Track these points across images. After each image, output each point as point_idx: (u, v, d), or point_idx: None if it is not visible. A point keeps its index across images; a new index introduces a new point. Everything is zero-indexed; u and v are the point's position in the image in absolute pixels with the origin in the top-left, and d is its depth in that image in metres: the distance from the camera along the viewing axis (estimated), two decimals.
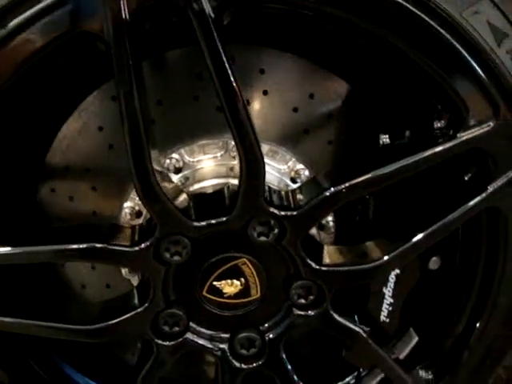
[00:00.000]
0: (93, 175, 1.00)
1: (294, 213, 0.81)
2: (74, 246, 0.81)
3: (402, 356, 1.05)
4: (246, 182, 0.78)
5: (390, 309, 1.03)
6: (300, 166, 0.99)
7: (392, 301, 1.02)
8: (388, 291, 1.01)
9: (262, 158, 0.78)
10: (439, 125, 0.83)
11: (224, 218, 0.82)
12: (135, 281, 1.02)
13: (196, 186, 0.95)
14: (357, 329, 0.94)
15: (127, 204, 0.99)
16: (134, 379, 0.94)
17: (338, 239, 1.03)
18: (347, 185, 0.81)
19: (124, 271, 1.03)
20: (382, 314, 1.03)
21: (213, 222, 0.82)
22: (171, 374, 1.13)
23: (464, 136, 0.80)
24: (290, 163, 1.00)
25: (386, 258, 0.87)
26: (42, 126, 0.98)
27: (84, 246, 0.80)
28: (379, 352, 0.97)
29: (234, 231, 0.84)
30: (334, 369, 1.11)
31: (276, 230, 0.83)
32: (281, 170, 0.99)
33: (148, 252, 0.83)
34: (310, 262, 0.86)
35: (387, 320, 1.04)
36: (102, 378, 1.13)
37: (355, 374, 1.11)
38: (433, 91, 0.81)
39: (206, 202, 0.87)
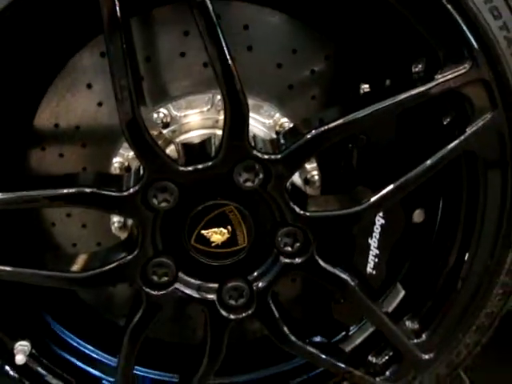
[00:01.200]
0: (82, 132, 1.02)
1: (278, 156, 0.83)
2: (64, 191, 0.83)
3: (390, 309, 1.07)
4: (230, 125, 0.80)
5: (376, 260, 1.05)
6: (284, 120, 1.01)
7: (378, 252, 1.04)
8: (373, 242, 1.03)
9: (246, 102, 0.80)
10: (417, 69, 0.86)
11: (210, 163, 0.84)
12: (124, 237, 1.03)
13: (183, 137, 0.97)
14: (345, 277, 0.95)
15: (116, 159, 1.00)
16: (125, 330, 0.95)
17: (324, 193, 1.05)
18: (326, 127, 0.84)
19: (114, 228, 1.04)
20: (369, 265, 1.06)
21: (199, 166, 0.84)
22: (161, 333, 1.16)
23: (440, 78, 0.82)
24: (275, 117, 1.02)
25: (370, 200, 0.89)
26: (32, 83, 1.00)
27: (73, 190, 0.82)
28: (368, 303, 0.99)
29: (220, 177, 0.86)
30: (323, 325, 1.13)
31: (261, 175, 0.85)
32: (266, 123, 1.01)
33: (136, 197, 0.85)
34: (294, 206, 0.88)
35: (374, 272, 1.06)
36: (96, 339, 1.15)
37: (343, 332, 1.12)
38: (411, 36, 0.84)
39: (192, 150, 0.89)
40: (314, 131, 0.84)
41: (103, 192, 0.84)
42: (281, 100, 1.02)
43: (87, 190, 0.83)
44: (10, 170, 0.99)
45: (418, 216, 1.06)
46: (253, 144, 0.84)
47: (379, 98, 0.85)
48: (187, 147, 0.90)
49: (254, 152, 0.83)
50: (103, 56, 0.97)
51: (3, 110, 0.98)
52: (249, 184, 0.86)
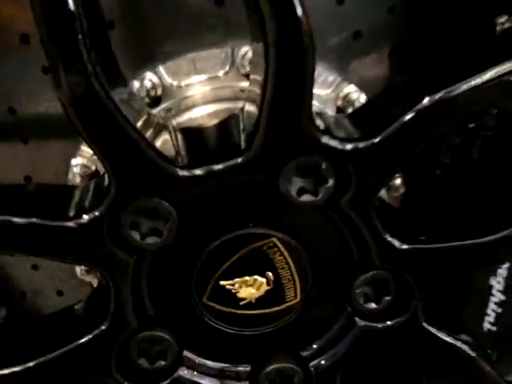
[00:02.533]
0: (20, 119, 0.62)
1: (373, 141, 0.43)
2: None
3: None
4: (276, 87, 0.40)
5: (500, 311, 0.66)
6: (351, 89, 0.62)
7: (503, 298, 0.65)
8: (497, 283, 0.64)
9: (312, 39, 0.40)
10: None
11: (237, 161, 0.44)
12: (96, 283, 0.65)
13: (185, 117, 0.57)
14: (461, 345, 0.57)
15: (76, 161, 0.62)
16: None
17: (407, 205, 0.66)
18: (449, 94, 0.44)
19: (79, 270, 0.66)
20: (487, 319, 0.66)
21: (216, 168, 0.44)
22: None
23: None
24: (335, 86, 0.62)
25: None
26: None
27: None
28: (492, 375, 0.60)
29: (254, 188, 0.47)
30: None
31: (330, 182, 0.46)
32: (321, 96, 0.62)
33: (98, 230, 0.45)
34: (390, 238, 0.49)
35: (493, 328, 0.67)
36: None
37: None
38: None
39: (202, 139, 0.49)
40: (429, 99, 0.44)
41: (36, 222, 0.44)
42: (342, 56, 0.63)
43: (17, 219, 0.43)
44: None
45: None
46: (320, 126, 0.44)
47: None
48: (193, 134, 0.50)
49: (323, 138, 0.43)
50: None
51: None
52: (308, 198, 0.46)
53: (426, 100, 0.45)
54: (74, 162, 0.62)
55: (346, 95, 0.62)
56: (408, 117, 0.44)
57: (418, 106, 0.45)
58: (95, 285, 0.66)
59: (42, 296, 0.73)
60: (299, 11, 0.39)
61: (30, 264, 0.71)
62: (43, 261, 0.70)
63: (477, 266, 0.53)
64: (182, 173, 0.44)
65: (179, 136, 0.50)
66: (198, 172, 0.44)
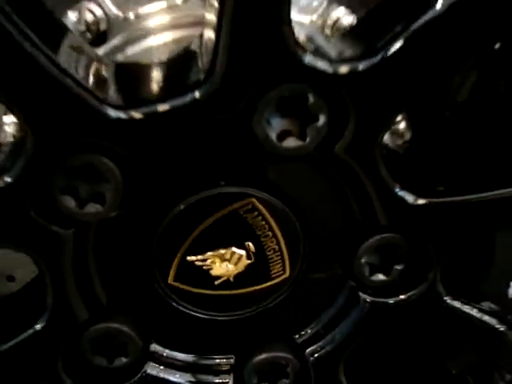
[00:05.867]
0: None
1: (375, 59, 0.32)
2: None
3: None
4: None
5: None
6: (340, 12, 0.51)
7: None
8: None
9: None
10: None
11: (193, 96, 0.33)
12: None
13: (136, 48, 0.46)
14: (490, 320, 0.49)
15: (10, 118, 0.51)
16: None
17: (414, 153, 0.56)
18: None
19: None
20: None
21: (161, 108, 0.33)
22: None
23: None
24: (322, 10, 0.52)
25: None
26: None
27: None
28: None
29: (221, 133, 0.37)
30: None
31: (322, 120, 0.35)
32: (304, 24, 0.51)
33: (17, 200, 0.34)
34: (401, 192, 0.38)
35: None
36: None
37: None
38: None
39: (144, 75, 0.38)
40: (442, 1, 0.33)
41: None
42: None
43: None
44: None
45: None
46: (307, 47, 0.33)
47: None
48: (132, 70, 0.39)
49: (309, 60, 0.32)
50: None
51: None
52: (292, 143, 0.36)
53: (440, 3, 0.34)
54: (6, 119, 0.52)
55: (336, 21, 0.52)
56: (416, 26, 0.32)
57: (429, 13, 0.33)
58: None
59: None
60: None
61: None
62: None
63: (506, 221, 0.43)
64: (117, 114, 0.32)
65: (113, 72, 0.38)
66: (136, 114, 0.33)
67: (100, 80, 0.38)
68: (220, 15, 0.33)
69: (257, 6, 0.31)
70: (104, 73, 0.40)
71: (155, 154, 0.37)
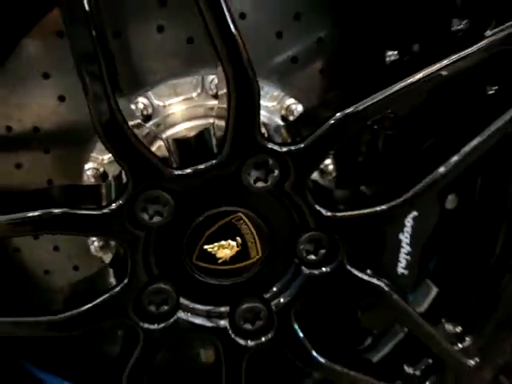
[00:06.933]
0: (43, 134, 0.82)
1: (301, 146, 0.65)
2: (27, 215, 0.63)
3: (421, 310, 0.92)
4: (236, 111, 0.62)
5: (408, 258, 0.89)
6: (291, 101, 0.84)
7: (410, 249, 0.88)
8: (405, 238, 0.87)
9: (256, 79, 0.62)
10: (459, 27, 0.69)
11: (212, 162, 0.65)
12: (108, 258, 0.86)
13: (172, 131, 0.78)
14: (379, 283, 0.79)
15: (89, 165, 0.82)
16: (118, 379, 0.77)
17: (339, 185, 0.89)
18: (357, 108, 0.66)
19: (93, 248, 0.86)
20: (400, 265, 0.90)
21: (200, 167, 0.65)
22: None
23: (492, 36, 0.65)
24: (279, 99, 0.84)
25: (407, 194, 0.73)
26: None
27: (37, 213, 0.63)
28: (403, 306, 0.83)
29: (225, 179, 0.68)
30: (347, 335, 0.97)
31: (276, 172, 0.68)
32: (268, 107, 0.84)
33: (121, 214, 0.66)
34: (319, 208, 0.71)
35: (405, 272, 0.90)
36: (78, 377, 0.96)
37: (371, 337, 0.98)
38: None
39: (188, 147, 0.70)
40: (340, 114, 0.66)
41: (78, 211, 0.65)
42: (284, 77, 0.84)
43: (56, 211, 0.64)
44: None
45: (451, 202, 0.90)
46: (265, 134, 0.66)
47: (413, 65, 0.68)
48: (181, 143, 0.71)
49: (269, 144, 0.65)
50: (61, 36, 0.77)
51: None
52: (260, 184, 0.68)
53: (338, 115, 0.67)
54: (86, 166, 0.83)
55: (288, 106, 0.84)
56: (324, 128, 0.66)
57: (331, 120, 0.67)
58: (105, 260, 0.87)
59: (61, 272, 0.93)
60: (246, 60, 0.60)
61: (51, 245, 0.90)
62: (62, 242, 0.90)
63: (379, 225, 0.76)
64: (175, 172, 0.65)
65: (172, 145, 0.71)
66: (186, 171, 0.66)
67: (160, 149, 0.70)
68: (227, 123, 0.65)
69: (245, 123, 0.64)
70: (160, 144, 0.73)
71: (192, 189, 0.69)
